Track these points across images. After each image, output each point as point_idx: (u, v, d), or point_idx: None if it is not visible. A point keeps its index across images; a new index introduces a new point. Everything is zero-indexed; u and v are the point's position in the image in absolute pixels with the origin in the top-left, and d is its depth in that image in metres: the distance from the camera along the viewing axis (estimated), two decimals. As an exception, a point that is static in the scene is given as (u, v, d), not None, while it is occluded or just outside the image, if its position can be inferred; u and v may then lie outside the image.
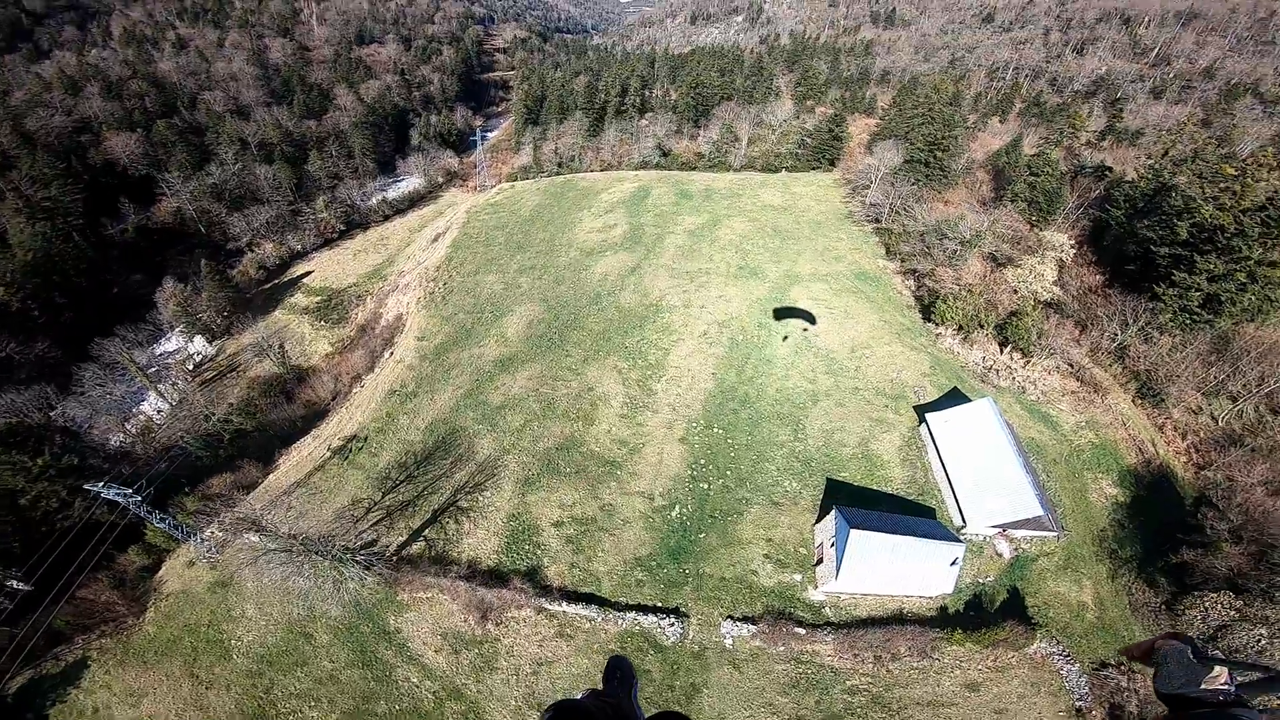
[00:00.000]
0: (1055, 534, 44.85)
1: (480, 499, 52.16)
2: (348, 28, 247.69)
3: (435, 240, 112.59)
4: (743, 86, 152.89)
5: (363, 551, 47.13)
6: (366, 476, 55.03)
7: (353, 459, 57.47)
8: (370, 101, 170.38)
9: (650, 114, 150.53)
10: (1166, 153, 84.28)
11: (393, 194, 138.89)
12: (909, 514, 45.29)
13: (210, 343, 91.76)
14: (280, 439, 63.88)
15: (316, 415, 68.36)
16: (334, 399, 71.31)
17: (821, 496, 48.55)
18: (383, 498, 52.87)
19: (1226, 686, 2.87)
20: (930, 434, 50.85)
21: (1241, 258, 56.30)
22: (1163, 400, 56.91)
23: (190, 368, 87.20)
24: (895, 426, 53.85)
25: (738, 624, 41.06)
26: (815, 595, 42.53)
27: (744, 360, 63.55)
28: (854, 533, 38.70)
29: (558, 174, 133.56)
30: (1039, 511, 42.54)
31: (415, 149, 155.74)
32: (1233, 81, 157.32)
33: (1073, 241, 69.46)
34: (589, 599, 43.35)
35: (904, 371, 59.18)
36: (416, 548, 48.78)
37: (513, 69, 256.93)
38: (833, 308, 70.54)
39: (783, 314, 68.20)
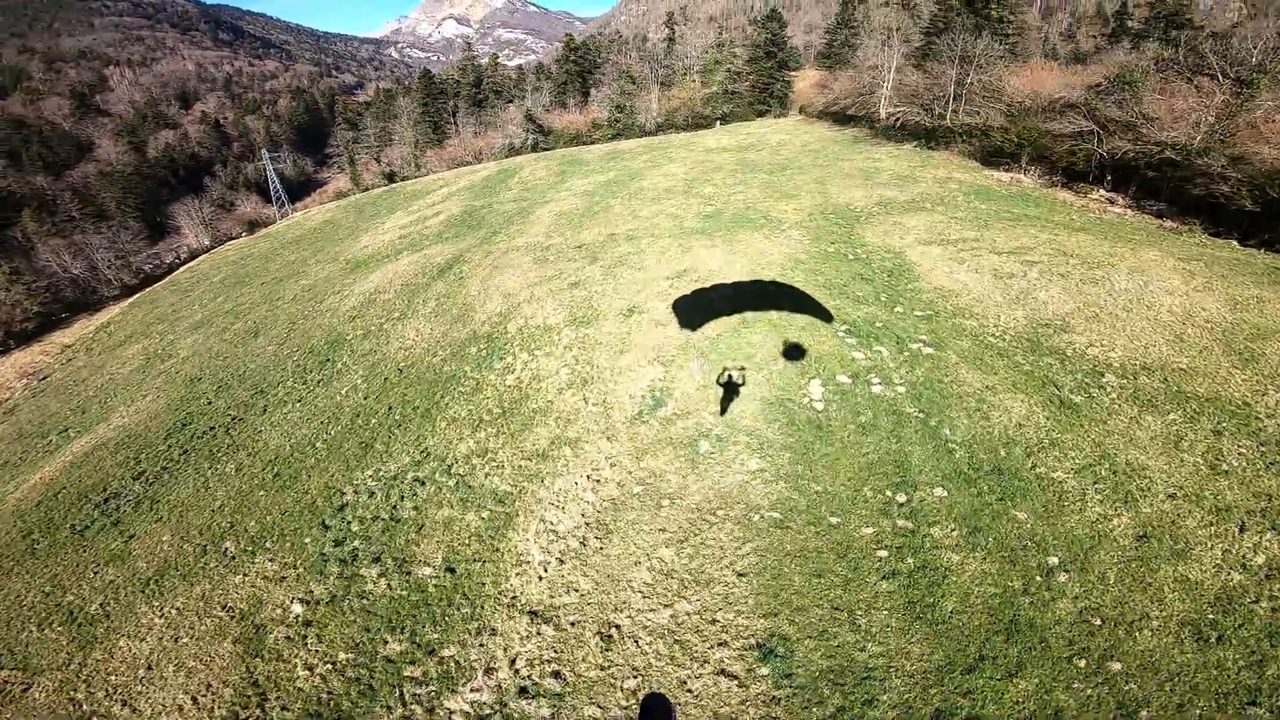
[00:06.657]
0: None
1: None
2: (165, 90, 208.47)
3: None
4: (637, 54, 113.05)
5: None
6: None
7: None
8: (155, 152, 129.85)
9: (517, 101, 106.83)
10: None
11: (163, 258, 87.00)
12: None
13: None
14: None
15: None
16: None
17: None
18: None
19: None
20: None
21: None
22: None
23: None
24: None
25: None
26: None
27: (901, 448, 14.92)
28: None
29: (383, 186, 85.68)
30: None
31: (199, 195, 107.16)
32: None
33: None
34: None
35: None
36: None
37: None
38: (1028, 257, 23.91)
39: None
